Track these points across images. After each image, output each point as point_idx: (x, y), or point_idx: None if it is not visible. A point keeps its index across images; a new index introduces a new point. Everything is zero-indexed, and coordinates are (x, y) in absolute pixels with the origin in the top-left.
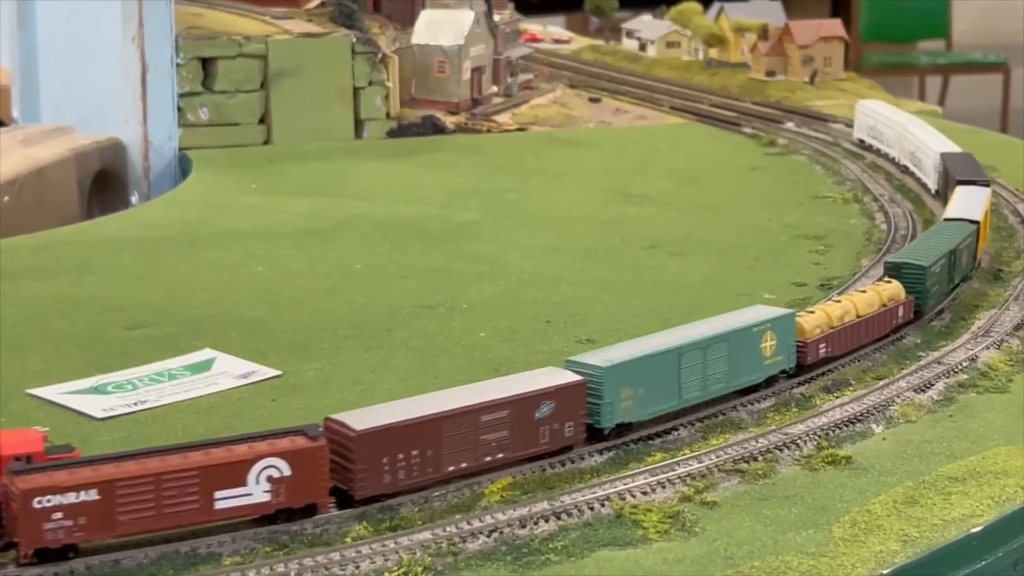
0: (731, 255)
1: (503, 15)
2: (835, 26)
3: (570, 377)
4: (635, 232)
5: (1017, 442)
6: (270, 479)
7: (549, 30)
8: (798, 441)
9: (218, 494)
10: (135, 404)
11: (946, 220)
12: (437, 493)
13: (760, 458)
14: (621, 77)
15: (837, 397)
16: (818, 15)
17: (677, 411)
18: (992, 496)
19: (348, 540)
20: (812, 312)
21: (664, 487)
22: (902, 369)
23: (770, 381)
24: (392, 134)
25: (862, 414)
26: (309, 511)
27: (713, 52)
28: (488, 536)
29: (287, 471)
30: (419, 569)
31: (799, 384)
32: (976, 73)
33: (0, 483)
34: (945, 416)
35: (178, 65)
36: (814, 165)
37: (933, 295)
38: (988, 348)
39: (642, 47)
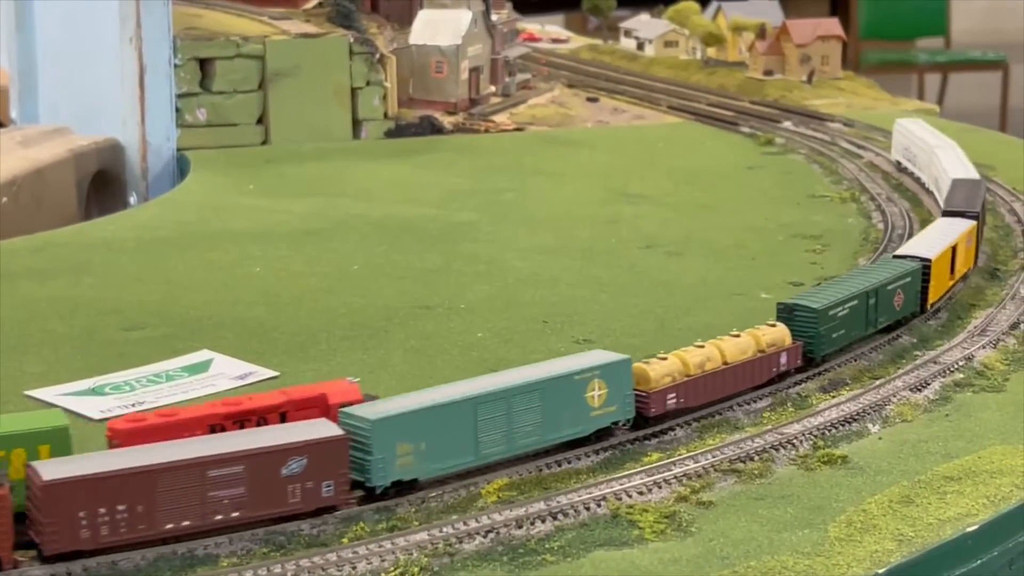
0: (728, 255)
1: (501, 15)
2: (832, 25)
3: (329, 431)
4: (632, 232)
5: (1013, 441)
6: None
7: (547, 29)
8: (794, 441)
9: None
10: (133, 405)
11: (895, 257)
12: (433, 494)
13: (756, 458)
14: (619, 76)
15: (833, 396)
16: (817, 13)
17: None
18: (987, 495)
19: (345, 541)
20: (664, 359)
21: (660, 487)
22: (898, 368)
23: (603, 434)
24: (390, 134)
25: (858, 413)
26: None
27: (711, 51)
28: (484, 536)
29: None
30: (416, 569)
31: (798, 382)
32: (975, 71)
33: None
34: (941, 415)
35: (176, 66)
36: (811, 164)
37: (832, 341)
38: (984, 347)
39: (640, 46)
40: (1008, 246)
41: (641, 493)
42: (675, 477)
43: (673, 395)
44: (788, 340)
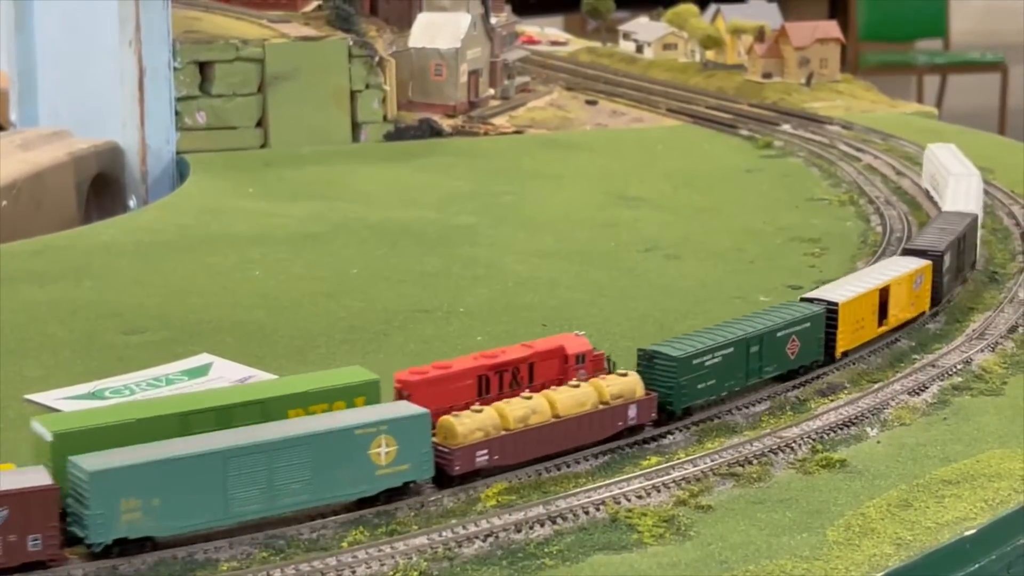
0: (727, 258)
1: (500, 18)
2: (831, 28)
3: (38, 481)
4: (631, 235)
5: (1011, 445)
6: None
7: (546, 32)
8: (793, 445)
9: None
10: None
11: (802, 300)
12: (432, 498)
13: (755, 462)
14: (618, 79)
15: (832, 400)
16: (816, 15)
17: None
18: (986, 499)
19: (345, 545)
20: (479, 411)
21: (659, 491)
22: (896, 372)
23: (395, 493)
24: (389, 137)
25: (856, 417)
26: None
27: (709, 54)
28: (484, 540)
29: None
30: (415, 574)
31: (794, 388)
32: (974, 72)
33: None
34: (939, 419)
35: (175, 69)
36: (810, 167)
37: (696, 392)
38: (983, 351)
39: (639, 49)
40: (1006, 249)
41: (640, 497)
42: (674, 481)
43: (485, 452)
44: (640, 391)
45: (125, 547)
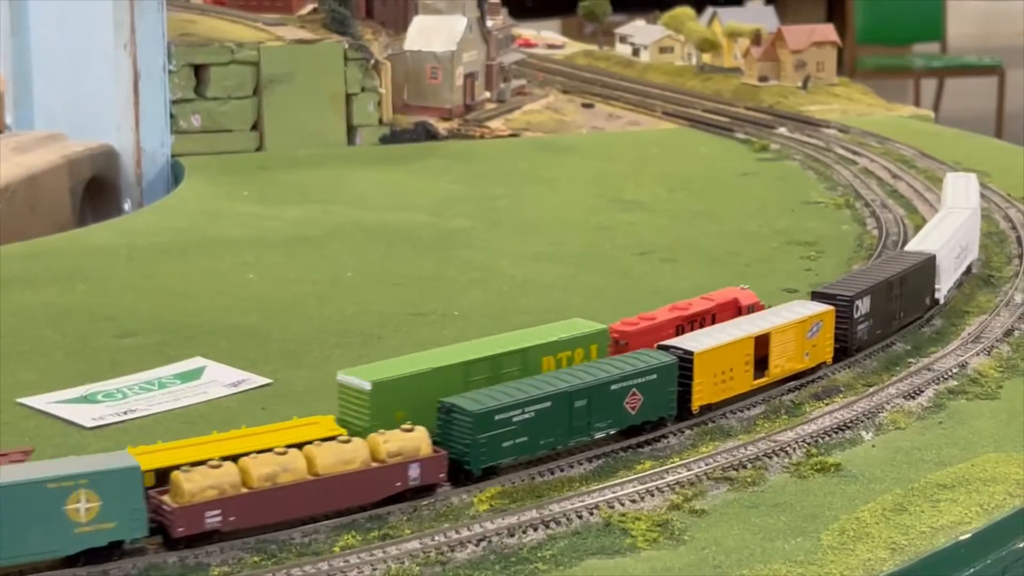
0: (722, 261)
1: (496, 21)
2: (828, 31)
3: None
4: (627, 238)
5: (1006, 449)
6: None
7: (543, 35)
8: (787, 448)
9: None
10: (125, 413)
11: (659, 346)
12: (425, 502)
13: (749, 466)
14: (614, 82)
15: (827, 404)
16: (813, 18)
17: None
18: (981, 503)
19: (337, 550)
20: (217, 466)
21: (653, 495)
22: (892, 376)
23: (97, 554)
24: (385, 140)
25: (852, 421)
26: None
27: (706, 57)
28: (476, 545)
29: None
30: None
31: (789, 392)
32: (971, 76)
33: None
34: (934, 423)
35: (170, 72)
36: (806, 170)
37: (500, 452)
38: (978, 354)
39: (635, 52)
40: (1002, 253)
41: (634, 501)
42: (668, 485)
43: (217, 512)
44: (426, 448)
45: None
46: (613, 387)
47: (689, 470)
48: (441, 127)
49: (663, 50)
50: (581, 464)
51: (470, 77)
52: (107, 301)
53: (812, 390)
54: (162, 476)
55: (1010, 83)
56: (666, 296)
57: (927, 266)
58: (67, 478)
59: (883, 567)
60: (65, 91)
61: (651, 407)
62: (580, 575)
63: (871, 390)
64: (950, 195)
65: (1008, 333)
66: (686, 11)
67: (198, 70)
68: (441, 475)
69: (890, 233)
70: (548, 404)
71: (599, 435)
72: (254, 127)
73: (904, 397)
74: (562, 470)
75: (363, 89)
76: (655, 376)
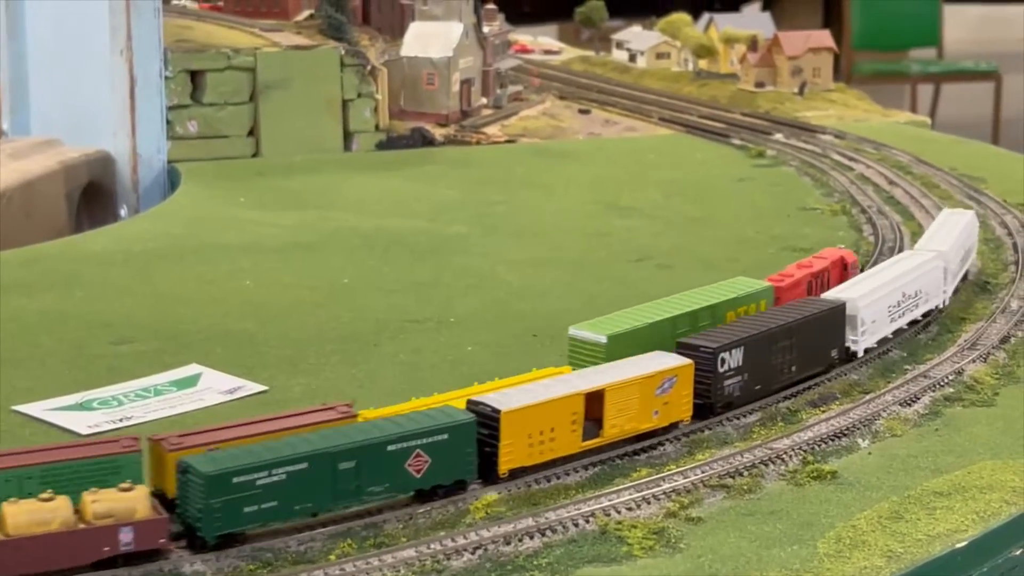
0: (718, 267)
1: (492, 27)
2: (824, 37)
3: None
4: (623, 245)
5: (1002, 456)
6: None
7: (540, 40)
8: (783, 456)
9: None
10: (120, 420)
11: (470, 403)
12: (421, 510)
13: (745, 473)
14: (611, 88)
15: (823, 411)
16: (809, 24)
17: None
18: (977, 511)
19: (333, 558)
20: None
21: (649, 503)
22: (888, 383)
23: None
24: (381, 146)
25: (848, 428)
26: None
27: (702, 63)
28: (472, 553)
29: None
30: None
31: (784, 399)
32: (968, 81)
33: None
34: (931, 430)
35: (167, 78)
36: (802, 176)
37: (241, 518)
38: (974, 361)
39: (632, 58)
40: (998, 259)
41: (630, 509)
42: (664, 493)
43: None
44: (144, 510)
45: None
46: (390, 448)
47: (685, 478)
48: (437, 133)
49: (659, 56)
50: (577, 472)
51: (466, 83)
52: (103, 307)
53: (808, 397)
54: None
55: (1006, 89)
56: None
57: (833, 315)
58: None
59: (879, 575)
60: (61, 97)
61: (443, 470)
62: None
63: (867, 397)
64: (926, 236)
65: (1004, 340)
66: (682, 17)
67: (194, 76)
68: (162, 540)
69: (886, 240)
70: (304, 466)
71: (376, 500)
72: (250, 133)
73: (900, 404)
74: (558, 477)
75: (359, 95)
76: (446, 436)
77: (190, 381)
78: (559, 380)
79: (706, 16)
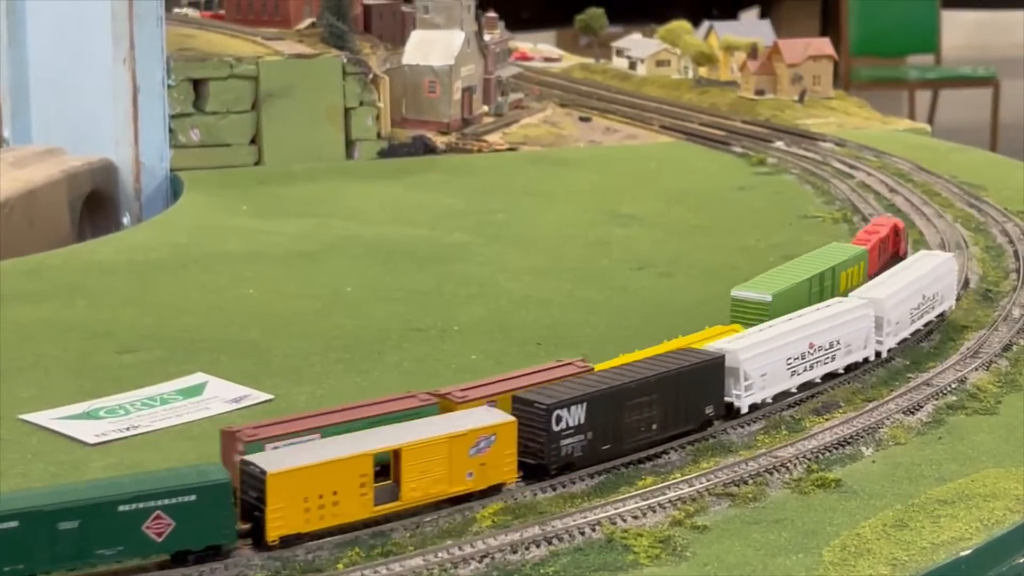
0: (719, 276)
1: (493, 35)
2: (823, 44)
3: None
4: (624, 253)
5: (1006, 464)
6: None
7: (540, 48)
8: (788, 464)
9: None
10: (127, 429)
11: (243, 461)
12: (428, 518)
13: (750, 481)
14: (611, 96)
15: (827, 420)
16: (808, 31)
17: None
18: (981, 519)
19: (341, 567)
20: None
21: (655, 511)
22: (891, 391)
23: None
24: (383, 154)
25: (852, 437)
26: None
27: (702, 71)
28: (480, 561)
29: None
30: None
31: (788, 407)
32: (966, 87)
33: None
34: (934, 438)
35: (169, 86)
36: (803, 184)
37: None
38: (977, 369)
39: (632, 65)
40: (1000, 267)
41: (636, 517)
42: (669, 501)
43: None
44: None
45: None
46: (122, 508)
47: (691, 486)
48: (439, 141)
49: (660, 63)
50: (583, 480)
51: (468, 91)
52: (107, 317)
53: (812, 405)
54: None
55: (1005, 94)
56: (664, 311)
57: (709, 369)
58: None
59: None
60: (64, 105)
61: (191, 534)
62: None
63: (871, 405)
64: (871, 282)
65: (1007, 348)
66: (683, 24)
67: (197, 84)
68: None
69: None
70: (14, 524)
71: (111, 563)
72: (253, 141)
73: (904, 412)
74: (564, 486)
75: (361, 103)
76: (194, 497)
77: (196, 390)
78: (351, 438)
79: (706, 24)
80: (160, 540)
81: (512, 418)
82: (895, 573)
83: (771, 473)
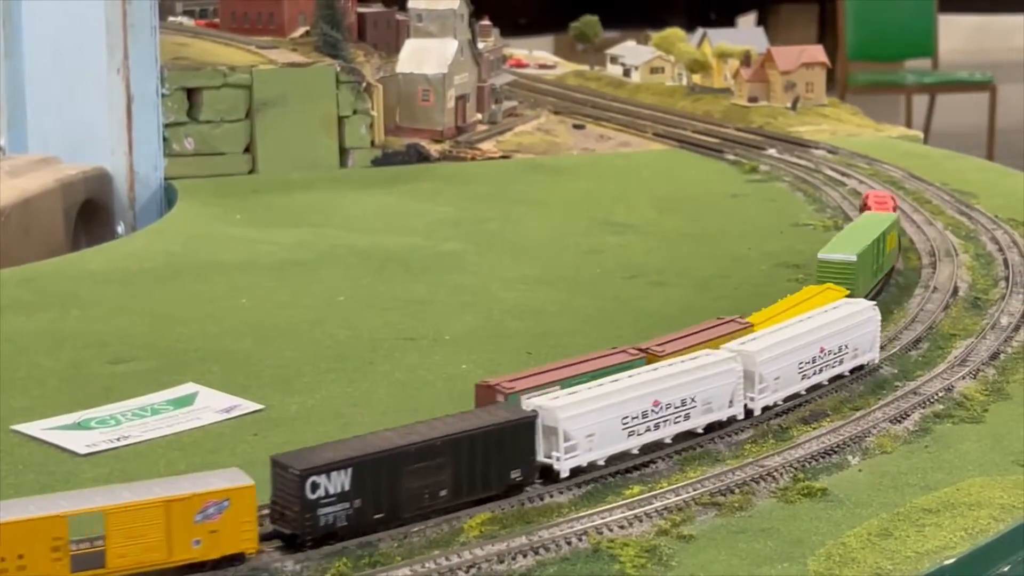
0: (712, 284)
1: (487, 43)
2: (817, 52)
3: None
4: (617, 261)
5: (991, 473)
6: None
7: (535, 55)
8: (774, 473)
9: None
10: (118, 440)
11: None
12: (416, 528)
13: (737, 491)
14: (605, 103)
15: (814, 428)
16: (804, 35)
17: None
18: (966, 528)
19: None
20: None
21: (641, 521)
22: (878, 400)
23: None
24: (377, 163)
25: (838, 445)
26: None
27: (696, 78)
28: (467, 572)
29: None
30: None
31: (776, 416)
32: (962, 92)
33: None
34: (920, 447)
35: (163, 95)
36: (795, 192)
37: None
38: (964, 378)
39: (626, 72)
40: (989, 275)
41: (622, 527)
42: (656, 511)
43: None
44: None
45: None
46: None
47: (677, 495)
48: (433, 149)
49: (654, 71)
50: (570, 489)
51: (461, 99)
52: (100, 327)
53: (800, 414)
54: None
55: (1002, 99)
56: (656, 320)
57: (516, 430)
58: None
59: None
60: (59, 114)
61: None
62: None
63: (858, 414)
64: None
65: (994, 356)
66: (676, 32)
67: (191, 93)
68: None
69: None
70: None
71: None
72: (247, 150)
73: (890, 421)
74: (551, 496)
75: (355, 112)
76: None
77: (187, 400)
78: (46, 500)
79: (700, 31)
80: None
81: (250, 482)
82: None
83: (758, 482)
